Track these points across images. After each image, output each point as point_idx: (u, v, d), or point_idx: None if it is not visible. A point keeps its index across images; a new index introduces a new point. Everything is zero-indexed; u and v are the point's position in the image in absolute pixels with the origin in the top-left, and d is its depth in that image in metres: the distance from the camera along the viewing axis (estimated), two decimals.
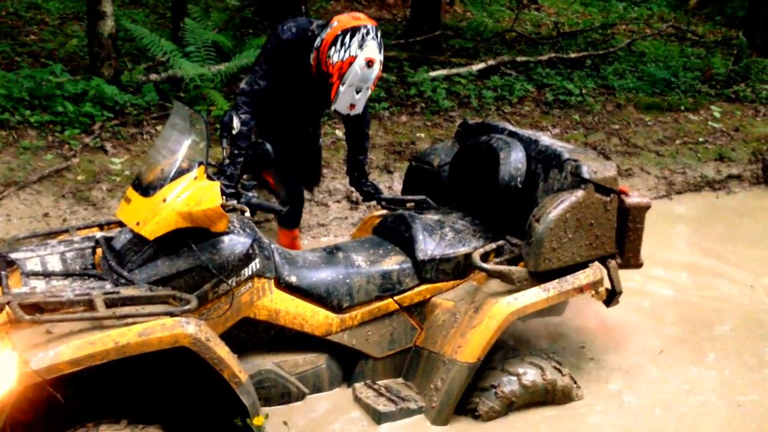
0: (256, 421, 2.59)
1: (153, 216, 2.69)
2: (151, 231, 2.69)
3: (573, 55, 8.70)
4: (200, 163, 2.77)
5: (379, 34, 3.48)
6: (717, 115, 7.69)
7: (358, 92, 3.48)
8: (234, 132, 3.38)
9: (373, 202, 4.06)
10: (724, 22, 11.84)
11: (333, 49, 3.43)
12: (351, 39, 3.40)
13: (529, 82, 7.79)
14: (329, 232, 5.23)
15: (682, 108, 7.72)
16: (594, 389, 3.49)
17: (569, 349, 3.80)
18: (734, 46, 9.49)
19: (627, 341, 3.96)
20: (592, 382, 3.54)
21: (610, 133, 6.97)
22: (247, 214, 2.78)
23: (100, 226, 3.24)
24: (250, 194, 2.88)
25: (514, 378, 3.22)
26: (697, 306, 4.46)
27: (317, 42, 3.52)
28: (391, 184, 5.57)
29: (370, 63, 3.41)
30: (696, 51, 9.96)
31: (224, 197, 2.73)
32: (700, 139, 7.11)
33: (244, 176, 3.58)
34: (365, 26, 3.43)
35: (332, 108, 3.53)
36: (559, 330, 3.91)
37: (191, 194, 2.68)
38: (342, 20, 3.49)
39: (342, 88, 3.44)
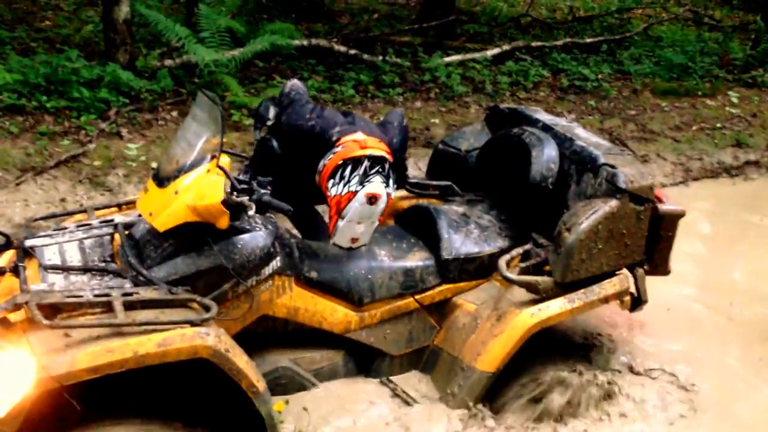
0: (276, 407, 2.59)
1: (165, 207, 2.65)
2: (161, 222, 2.64)
3: (589, 40, 8.66)
4: (213, 156, 2.69)
5: (387, 165, 3.00)
6: (734, 100, 7.63)
7: (359, 225, 3.02)
8: (269, 123, 3.23)
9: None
10: (741, 6, 11.71)
11: (332, 181, 2.97)
12: (351, 173, 2.94)
13: (544, 68, 7.76)
14: None
15: (699, 93, 7.67)
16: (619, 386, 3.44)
17: (597, 347, 3.72)
18: (752, 31, 9.42)
19: (641, 333, 3.91)
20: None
21: (627, 119, 6.93)
22: (251, 212, 2.65)
23: (119, 207, 3.21)
24: (263, 191, 2.74)
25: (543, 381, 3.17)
26: (713, 295, 4.42)
27: (320, 165, 3.05)
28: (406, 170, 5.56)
29: (372, 199, 2.94)
30: (713, 36, 9.86)
31: (235, 193, 2.66)
32: (718, 125, 7.06)
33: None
34: (369, 157, 2.96)
35: (331, 241, 3.10)
36: (585, 326, 3.86)
37: (198, 188, 2.63)
38: (347, 146, 3.00)
39: (341, 223, 2.99)
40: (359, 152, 2.96)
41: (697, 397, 3.44)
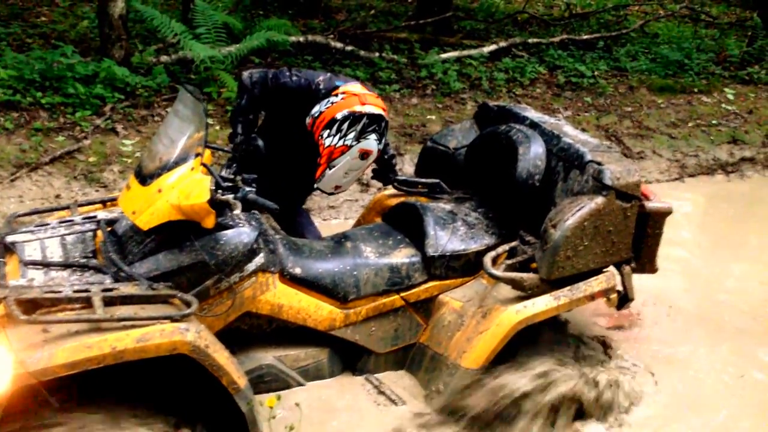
0: (268, 402, 2.58)
1: (148, 206, 2.64)
2: (145, 221, 2.63)
3: (585, 37, 8.65)
4: (197, 154, 2.68)
5: (383, 124, 3.21)
6: (730, 97, 7.64)
7: (346, 175, 3.27)
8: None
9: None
10: (738, 3, 11.71)
11: (327, 131, 3.15)
12: (349, 127, 3.12)
13: (540, 64, 7.75)
14: (340, 214, 5.23)
15: (696, 90, 7.67)
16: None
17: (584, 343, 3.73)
18: (749, 28, 9.43)
19: (635, 332, 3.91)
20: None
21: (623, 116, 6.93)
22: (237, 211, 2.65)
23: (103, 203, 3.20)
24: (248, 189, 2.76)
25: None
26: (707, 293, 4.41)
27: (315, 110, 3.20)
28: (402, 166, 5.56)
29: (365, 155, 3.19)
30: (710, 32, 9.87)
31: (220, 191, 2.67)
32: (713, 122, 7.07)
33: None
34: (369, 115, 3.14)
35: (315, 185, 3.33)
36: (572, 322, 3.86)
37: (183, 187, 2.62)
38: (347, 98, 3.16)
39: (329, 172, 3.22)
40: (359, 108, 3.14)
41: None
